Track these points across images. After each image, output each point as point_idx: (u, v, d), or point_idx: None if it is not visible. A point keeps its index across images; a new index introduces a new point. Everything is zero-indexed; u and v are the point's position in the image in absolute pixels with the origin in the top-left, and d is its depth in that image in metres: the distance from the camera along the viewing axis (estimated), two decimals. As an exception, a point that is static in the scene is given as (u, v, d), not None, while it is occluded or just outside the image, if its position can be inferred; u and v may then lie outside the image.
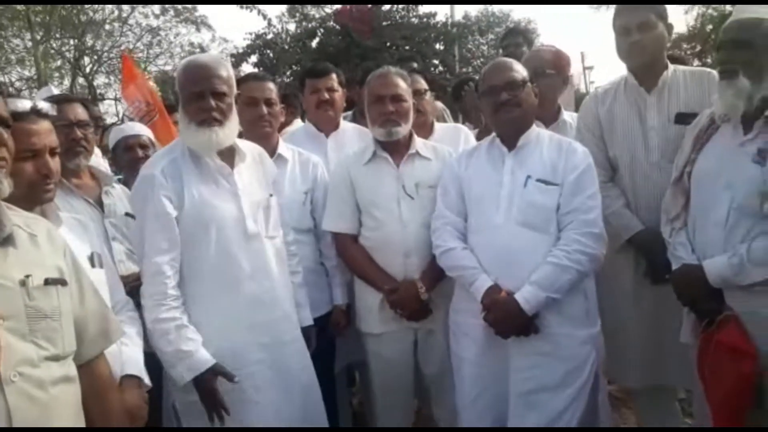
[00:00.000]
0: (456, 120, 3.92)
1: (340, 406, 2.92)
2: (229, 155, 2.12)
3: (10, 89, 18.99)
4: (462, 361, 2.27)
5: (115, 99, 19.10)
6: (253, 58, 11.38)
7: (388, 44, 11.75)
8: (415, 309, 2.39)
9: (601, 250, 2.15)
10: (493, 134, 2.33)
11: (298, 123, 3.79)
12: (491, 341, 2.15)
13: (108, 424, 1.49)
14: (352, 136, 2.99)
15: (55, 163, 1.69)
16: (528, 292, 2.06)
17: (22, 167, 1.60)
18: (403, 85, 2.48)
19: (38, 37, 17.03)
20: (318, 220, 2.63)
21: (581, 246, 2.09)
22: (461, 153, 2.45)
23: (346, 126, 3.07)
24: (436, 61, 12.47)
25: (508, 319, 2.08)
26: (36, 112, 1.66)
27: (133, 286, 2.13)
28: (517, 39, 4.10)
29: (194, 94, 2.02)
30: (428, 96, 3.05)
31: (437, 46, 12.44)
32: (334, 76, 2.98)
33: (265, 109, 2.56)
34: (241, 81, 2.64)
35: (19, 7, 15.89)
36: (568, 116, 2.84)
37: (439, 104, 3.94)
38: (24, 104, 1.64)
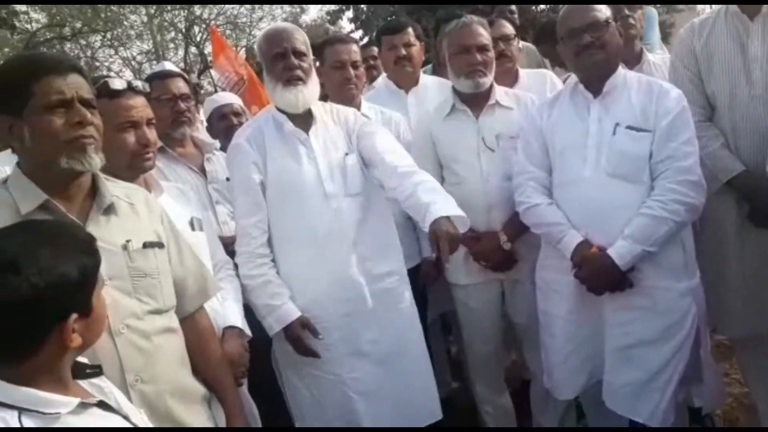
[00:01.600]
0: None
1: (435, 355, 3.01)
2: (305, 120, 2.19)
3: (133, 63, 20.54)
4: (552, 318, 2.23)
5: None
6: (349, 14, 11.40)
7: (486, -15, 11.28)
8: (498, 260, 2.40)
9: (699, 199, 2.02)
10: (576, 80, 2.22)
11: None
12: (583, 298, 2.10)
13: (209, 370, 1.67)
14: (433, 90, 2.96)
15: (152, 134, 1.87)
16: (622, 247, 1.98)
17: (124, 138, 1.79)
18: (486, 35, 2.45)
19: (152, 11, 18.12)
20: (404, 176, 2.67)
21: (678, 195, 1.97)
22: (542, 102, 2.36)
23: (427, 80, 3.05)
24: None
25: (600, 275, 2.01)
26: (131, 89, 1.83)
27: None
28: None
29: (278, 55, 2.11)
30: (516, 42, 2.95)
31: (539, -18, 11.76)
32: (410, 30, 2.95)
33: (351, 72, 2.61)
34: (326, 44, 2.69)
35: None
36: (652, 56, 2.63)
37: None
38: (121, 83, 1.81)
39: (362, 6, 11.35)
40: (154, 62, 19.74)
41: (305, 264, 2.13)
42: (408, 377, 2.19)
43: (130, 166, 1.80)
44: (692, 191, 1.98)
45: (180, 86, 2.45)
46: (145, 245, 1.49)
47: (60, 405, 1.00)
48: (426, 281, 2.72)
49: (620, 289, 2.03)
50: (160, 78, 2.44)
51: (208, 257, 1.98)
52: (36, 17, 16.87)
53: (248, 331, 2.01)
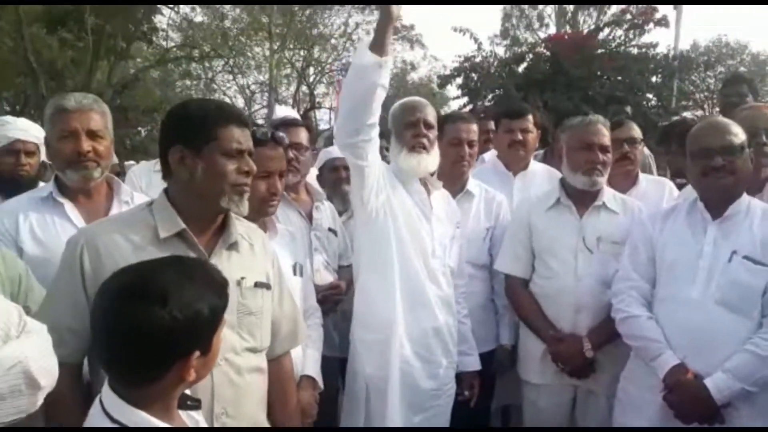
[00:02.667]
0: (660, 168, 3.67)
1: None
2: (425, 184, 2.36)
3: (247, 91, 21.88)
4: None
5: (330, 108, 21.11)
6: (458, 80, 11.66)
7: (599, 73, 11.27)
8: (577, 365, 2.34)
9: None
10: (695, 197, 2.19)
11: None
12: (667, 422, 2.02)
13: (284, 415, 1.73)
14: (541, 177, 3.00)
15: (281, 184, 2.01)
16: (721, 380, 1.91)
17: (256, 185, 1.91)
18: (608, 135, 2.48)
19: (275, 47, 19.37)
20: (494, 258, 2.68)
21: None
22: (656, 212, 2.33)
23: (536, 167, 3.09)
24: (650, 95, 11.65)
25: (693, 404, 1.94)
26: (275, 140, 1.98)
27: (324, 295, 2.41)
28: (740, 88, 3.74)
29: (410, 123, 2.30)
30: (641, 146, 2.94)
31: (654, 79, 11.59)
32: (530, 117, 3.02)
33: (467, 150, 2.69)
34: (449, 119, 2.79)
35: (263, 18, 18.23)
36: None
37: (646, 150, 3.72)
38: (266, 133, 1.97)
39: (472, 74, 11.60)
40: (266, 93, 21.01)
41: (394, 304, 2.21)
42: None
43: (257, 210, 1.92)
44: None
45: (302, 136, 2.61)
46: (256, 284, 1.59)
47: None
48: (499, 369, 2.69)
49: (710, 423, 1.94)
50: (285, 125, 2.61)
51: (301, 301, 2.07)
52: (173, 36, 18.46)
53: (321, 383, 2.07)
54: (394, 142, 2.35)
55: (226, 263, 1.53)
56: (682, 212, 2.19)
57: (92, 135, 1.94)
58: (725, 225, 2.07)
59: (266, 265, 1.67)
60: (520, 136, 2.96)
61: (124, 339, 1.04)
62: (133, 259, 1.40)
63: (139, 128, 17.25)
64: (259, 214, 1.95)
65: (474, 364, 2.47)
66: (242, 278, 1.57)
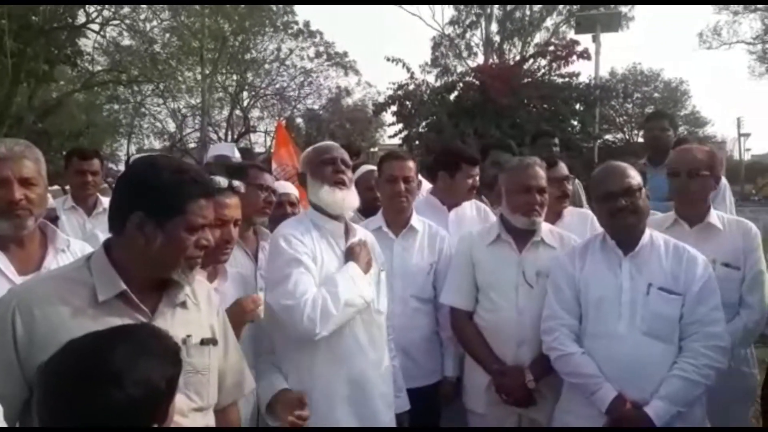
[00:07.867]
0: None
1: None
2: (347, 230, 2.30)
3: (178, 115, 21.37)
4: None
5: (265, 132, 21.02)
6: (393, 108, 11.89)
7: (525, 102, 11.76)
8: (519, 396, 2.41)
9: (725, 363, 2.13)
10: (603, 233, 2.33)
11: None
12: None
13: None
14: (471, 211, 3.13)
15: (235, 232, 1.97)
16: (660, 408, 2.05)
17: (211, 233, 1.87)
18: (545, 176, 2.57)
19: (207, 72, 19.07)
20: (438, 291, 2.74)
21: (709, 360, 2.08)
22: (572, 251, 2.43)
23: (465, 201, 3.17)
24: (574, 122, 12.25)
25: None
26: (231, 189, 1.95)
27: None
28: (662, 123, 4.01)
29: (327, 160, 2.23)
30: (569, 182, 3.09)
31: (577, 106, 12.22)
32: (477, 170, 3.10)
33: (403, 186, 2.73)
34: (385, 159, 2.87)
35: (194, 44, 17.94)
36: (717, 218, 2.72)
37: (578, 183, 3.81)
38: (223, 182, 1.93)
39: (406, 102, 11.84)
40: (198, 116, 20.63)
41: (327, 356, 2.14)
42: None
43: (207, 257, 1.84)
44: (722, 356, 2.10)
45: (267, 178, 2.58)
46: (203, 342, 1.55)
47: None
48: (444, 401, 2.73)
49: None
50: (259, 169, 2.60)
51: (253, 346, 2.03)
52: (99, 59, 17.84)
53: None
54: (312, 181, 2.26)
55: (170, 322, 1.48)
56: (596, 249, 2.33)
57: (25, 182, 1.83)
58: (636, 259, 2.23)
59: (211, 319, 1.62)
60: (477, 182, 3.06)
61: (80, 423, 1.00)
62: (71, 324, 1.34)
63: (64, 153, 16.46)
64: (210, 261, 1.91)
65: (403, 405, 2.46)
66: (188, 336, 1.51)
